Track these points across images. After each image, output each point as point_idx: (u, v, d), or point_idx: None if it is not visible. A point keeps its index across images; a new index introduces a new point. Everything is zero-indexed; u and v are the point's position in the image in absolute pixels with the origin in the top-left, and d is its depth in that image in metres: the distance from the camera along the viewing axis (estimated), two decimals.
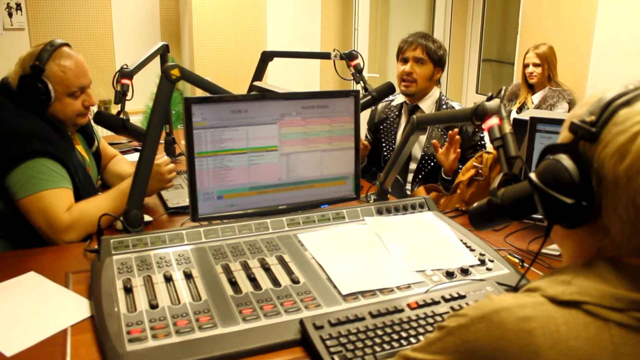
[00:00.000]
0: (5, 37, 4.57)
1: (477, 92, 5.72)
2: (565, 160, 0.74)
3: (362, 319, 1.17)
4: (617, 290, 0.71)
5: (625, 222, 0.71)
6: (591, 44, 3.81)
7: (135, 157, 2.57)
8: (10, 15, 4.54)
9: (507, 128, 1.28)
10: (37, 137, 1.69)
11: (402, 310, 1.21)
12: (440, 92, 2.57)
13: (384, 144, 2.65)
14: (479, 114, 1.38)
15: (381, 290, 1.31)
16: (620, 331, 0.69)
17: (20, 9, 4.57)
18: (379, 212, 1.70)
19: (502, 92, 1.35)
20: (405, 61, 2.50)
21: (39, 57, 1.76)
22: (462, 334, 0.74)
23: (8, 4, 4.52)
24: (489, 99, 1.37)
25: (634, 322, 0.69)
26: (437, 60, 2.48)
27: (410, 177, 2.56)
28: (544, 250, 1.61)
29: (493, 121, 1.32)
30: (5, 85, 1.80)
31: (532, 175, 0.79)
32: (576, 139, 0.74)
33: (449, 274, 1.39)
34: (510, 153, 1.24)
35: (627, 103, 0.72)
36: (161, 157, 1.91)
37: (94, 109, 1.97)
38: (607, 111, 0.72)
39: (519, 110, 3.95)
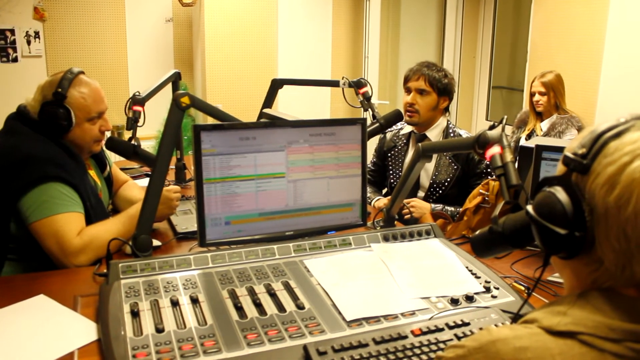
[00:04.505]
0: (23, 64, 4.69)
1: (487, 119, 5.75)
2: (559, 192, 0.76)
3: (366, 345, 1.17)
4: (612, 321, 0.71)
5: (617, 251, 0.72)
6: (600, 71, 3.83)
7: (146, 182, 2.61)
8: (28, 42, 4.67)
9: (508, 157, 1.30)
10: (51, 162, 1.74)
11: (405, 337, 1.21)
12: (448, 121, 2.58)
13: (390, 171, 2.67)
14: (481, 143, 1.40)
15: (385, 317, 1.31)
16: None
17: (39, 37, 4.70)
18: (386, 238, 1.71)
19: (504, 121, 1.37)
20: (408, 91, 2.52)
21: (60, 84, 1.81)
22: None
23: (27, 32, 4.65)
24: (491, 127, 1.39)
25: (629, 353, 0.70)
26: (442, 90, 2.48)
27: None
28: (550, 278, 1.61)
29: (494, 150, 1.34)
30: (22, 112, 1.85)
31: (529, 208, 0.81)
32: (569, 171, 0.76)
33: (454, 301, 1.40)
34: (511, 182, 1.25)
35: (617, 135, 0.74)
36: (169, 185, 1.96)
37: (108, 134, 2.02)
38: (597, 144, 0.74)
39: (528, 137, 3.96)
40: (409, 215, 2.30)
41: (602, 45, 3.80)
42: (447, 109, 2.57)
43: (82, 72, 1.91)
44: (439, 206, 2.41)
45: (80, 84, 1.86)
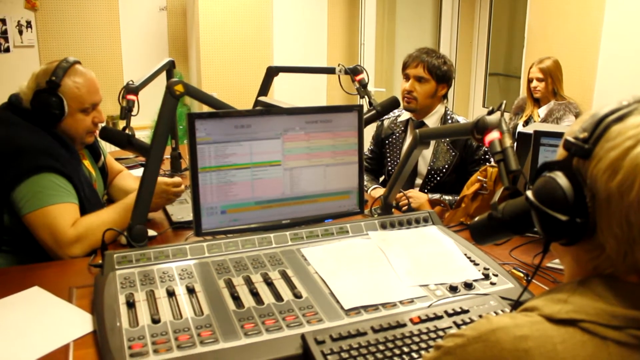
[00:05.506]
0: (15, 54, 4.64)
1: (484, 106, 5.72)
2: (559, 177, 0.74)
3: (364, 333, 1.16)
4: (614, 308, 0.70)
5: (619, 238, 0.70)
6: (597, 57, 3.81)
7: (141, 172, 2.59)
8: (20, 32, 4.61)
9: (508, 142, 1.28)
10: (44, 153, 1.71)
11: (404, 325, 1.20)
12: (446, 108, 2.56)
13: (388, 159, 2.66)
14: (479, 128, 1.38)
15: (384, 305, 1.30)
16: (618, 349, 0.68)
17: (31, 27, 4.64)
18: (383, 226, 1.69)
19: (503, 106, 1.35)
20: (407, 78, 2.50)
21: (54, 73, 1.79)
22: (459, 353, 0.74)
23: (19, 21, 4.59)
24: (490, 112, 1.37)
25: (631, 340, 0.69)
26: (441, 77, 2.45)
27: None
28: (549, 264, 1.60)
29: (494, 135, 1.32)
30: (14, 101, 1.83)
31: (529, 193, 0.79)
32: (570, 155, 0.75)
33: (453, 289, 1.38)
34: (510, 167, 1.24)
35: (620, 119, 0.72)
36: (173, 179, 1.96)
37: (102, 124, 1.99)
38: (599, 127, 0.72)
39: (526, 123, 3.94)
40: (406, 207, 2.28)
41: (600, 31, 3.77)
42: (445, 96, 2.55)
43: (79, 62, 1.89)
44: (437, 195, 2.39)
45: (76, 74, 1.84)
